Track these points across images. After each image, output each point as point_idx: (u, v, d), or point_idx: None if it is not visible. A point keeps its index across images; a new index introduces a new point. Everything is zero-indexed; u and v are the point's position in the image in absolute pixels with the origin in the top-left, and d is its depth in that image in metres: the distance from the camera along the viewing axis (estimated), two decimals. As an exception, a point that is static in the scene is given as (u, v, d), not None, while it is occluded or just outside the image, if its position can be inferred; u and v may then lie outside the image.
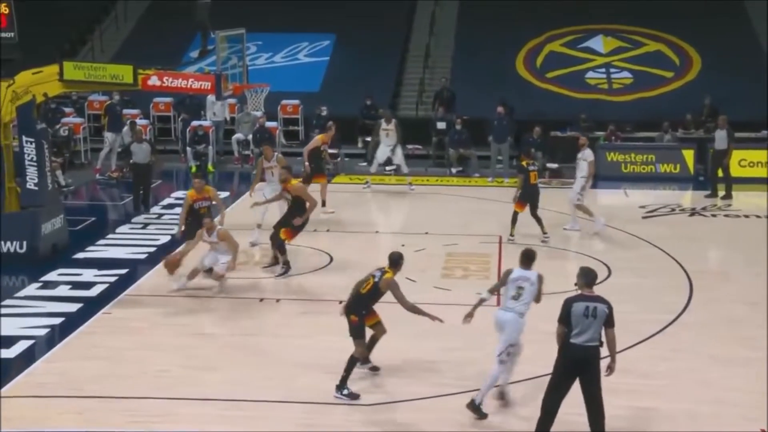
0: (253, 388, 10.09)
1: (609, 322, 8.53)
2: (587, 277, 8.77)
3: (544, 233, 15.90)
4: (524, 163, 16.15)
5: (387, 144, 20.45)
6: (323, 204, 17.83)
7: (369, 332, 10.25)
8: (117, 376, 10.37)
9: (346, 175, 22.41)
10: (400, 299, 9.89)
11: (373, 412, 9.60)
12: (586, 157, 16.58)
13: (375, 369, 10.42)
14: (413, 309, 9.93)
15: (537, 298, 9.56)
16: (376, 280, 9.93)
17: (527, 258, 9.67)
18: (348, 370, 9.81)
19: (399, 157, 20.57)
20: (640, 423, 9.42)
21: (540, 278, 9.55)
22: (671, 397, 9.97)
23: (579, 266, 9.08)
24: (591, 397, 8.58)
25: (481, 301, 9.72)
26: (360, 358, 9.97)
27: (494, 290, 9.82)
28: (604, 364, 8.67)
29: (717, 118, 20.86)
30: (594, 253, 15.43)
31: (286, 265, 14.10)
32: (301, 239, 15.08)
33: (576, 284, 8.89)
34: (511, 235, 15.92)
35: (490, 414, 9.41)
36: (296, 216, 13.90)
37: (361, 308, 9.99)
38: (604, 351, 8.64)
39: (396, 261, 10.04)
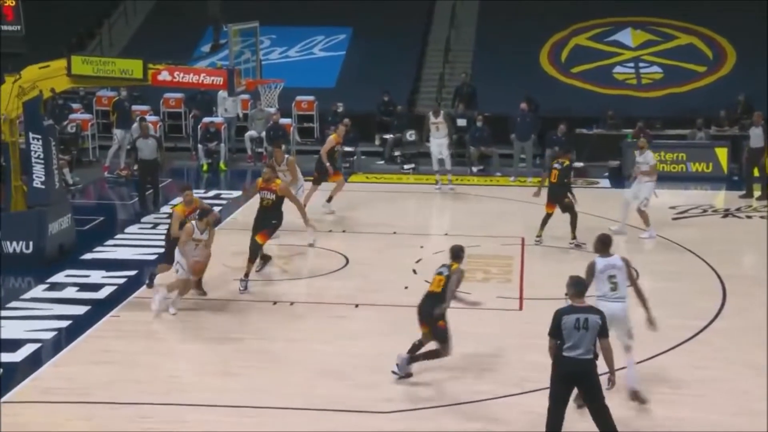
0: (267, 394, 9.99)
1: (602, 332, 8.37)
2: (577, 286, 8.56)
3: (573, 237, 15.50)
4: (554, 161, 15.97)
5: (437, 137, 19.92)
6: (329, 200, 17.55)
7: (417, 335, 10.23)
8: (126, 381, 10.20)
9: (363, 173, 22.12)
10: (453, 290, 9.94)
11: (391, 420, 9.39)
12: (648, 160, 16.16)
13: (409, 375, 10.28)
14: (450, 302, 9.95)
15: (634, 283, 9.57)
16: (447, 273, 9.96)
17: (604, 244, 9.65)
18: (427, 357, 9.90)
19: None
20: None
21: (626, 261, 9.60)
22: (702, 407, 9.71)
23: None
24: (596, 411, 8.42)
25: None
26: (444, 356, 9.97)
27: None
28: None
29: (752, 115, 20.41)
30: (623, 255, 14.88)
31: (264, 260, 14.10)
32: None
33: (566, 294, 8.68)
34: (538, 236, 15.65)
35: (503, 422, 9.26)
36: (271, 218, 13.55)
37: (443, 306, 9.88)
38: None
39: (457, 253, 10.13)
